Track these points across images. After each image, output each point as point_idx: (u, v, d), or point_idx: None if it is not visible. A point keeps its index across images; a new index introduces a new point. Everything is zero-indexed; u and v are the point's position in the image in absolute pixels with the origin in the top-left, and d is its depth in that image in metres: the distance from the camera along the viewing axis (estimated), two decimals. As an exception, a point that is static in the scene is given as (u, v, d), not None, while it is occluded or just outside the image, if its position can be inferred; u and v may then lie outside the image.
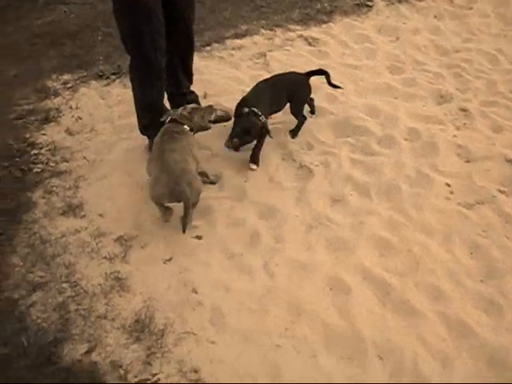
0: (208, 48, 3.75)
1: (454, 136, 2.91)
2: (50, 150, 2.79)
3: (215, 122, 2.93)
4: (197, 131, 2.49)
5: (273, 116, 2.91)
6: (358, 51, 3.77)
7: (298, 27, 4.06)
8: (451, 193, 2.55)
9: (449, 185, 2.58)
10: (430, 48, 3.80)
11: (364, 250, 2.24)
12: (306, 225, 2.36)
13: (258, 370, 1.76)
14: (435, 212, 2.42)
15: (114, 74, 3.51)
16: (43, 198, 2.44)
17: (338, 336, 1.89)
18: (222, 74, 3.45)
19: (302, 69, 3.49)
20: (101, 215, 2.35)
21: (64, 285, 2.03)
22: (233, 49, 3.77)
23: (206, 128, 2.54)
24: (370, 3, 4.36)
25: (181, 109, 2.42)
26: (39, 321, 1.90)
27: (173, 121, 2.37)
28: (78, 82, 3.45)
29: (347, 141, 2.87)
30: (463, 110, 3.13)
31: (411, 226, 2.34)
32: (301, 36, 3.93)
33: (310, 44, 3.86)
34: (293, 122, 2.90)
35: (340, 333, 1.89)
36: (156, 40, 2.25)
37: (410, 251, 2.22)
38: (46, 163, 2.68)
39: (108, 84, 3.43)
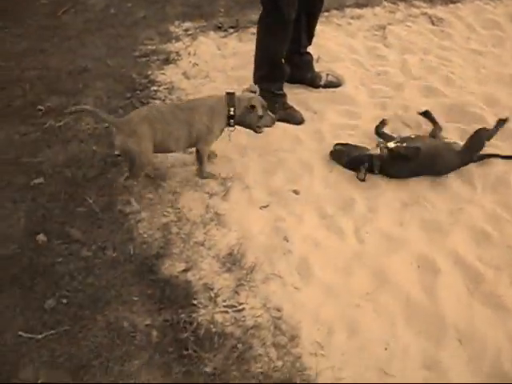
0: (326, 14, 3.72)
1: None
2: (167, 88, 2.98)
3: (325, 86, 2.96)
4: (239, 124, 2.28)
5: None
6: (485, 37, 3.55)
7: (424, 4, 3.89)
8: None
9: None
10: None
11: (460, 236, 2.17)
12: (401, 202, 2.33)
13: (336, 321, 1.81)
14: (544, 213, 2.28)
15: (231, 27, 3.62)
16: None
17: (419, 311, 1.88)
18: (337, 41, 3.43)
19: (421, 47, 3.38)
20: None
21: (169, 209, 2.21)
22: (351, 17, 3.72)
23: (253, 129, 2.31)
24: (507, -13, 4.04)
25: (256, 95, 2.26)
26: (145, 235, 2.10)
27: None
28: (197, 30, 3.62)
29: (458, 127, 2.75)
30: None
31: (515, 223, 2.23)
32: (425, 13, 3.77)
33: (433, 23, 3.69)
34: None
35: (422, 309, 1.89)
36: (290, -8, 2.29)
37: (509, 247, 2.12)
38: (163, 100, 2.87)
39: (225, 36, 3.55)
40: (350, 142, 2.50)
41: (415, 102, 2.89)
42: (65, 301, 1.86)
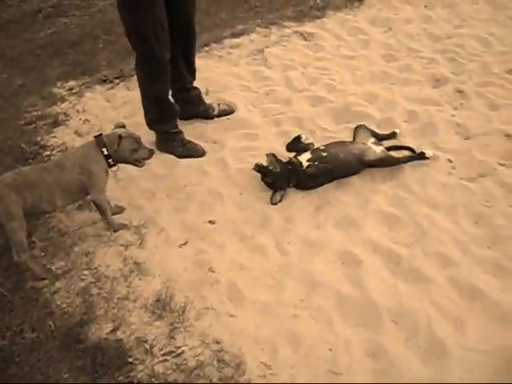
0: (206, 48, 3.87)
1: (452, 116, 2.99)
2: (61, 150, 2.88)
3: (219, 115, 3.04)
4: (118, 161, 2.24)
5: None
6: (353, 43, 3.87)
7: (293, 24, 4.17)
8: (453, 168, 2.61)
9: (450, 161, 2.65)
10: (423, 36, 3.90)
11: (371, 225, 2.30)
12: (313, 206, 2.43)
13: (277, 338, 1.82)
14: (439, 186, 2.49)
15: (117, 78, 3.63)
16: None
17: (352, 304, 1.95)
18: (222, 71, 3.56)
19: (300, 62, 3.61)
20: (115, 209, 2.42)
21: (85, 272, 2.10)
22: (231, 47, 3.89)
23: (133, 163, 2.28)
24: (361, -3, 4.48)
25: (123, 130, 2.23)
26: (64, 305, 1.97)
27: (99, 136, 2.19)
28: (82, 87, 3.57)
29: (348, 126, 2.94)
30: (459, 91, 3.20)
31: (416, 201, 2.41)
32: (296, 32, 4.04)
33: (305, 39, 3.97)
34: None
35: (354, 301, 1.96)
36: (159, 34, 2.35)
37: (416, 223, 2.28)
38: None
39: (112, 87, 3.54)
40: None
41: (306, 112, 3.06)
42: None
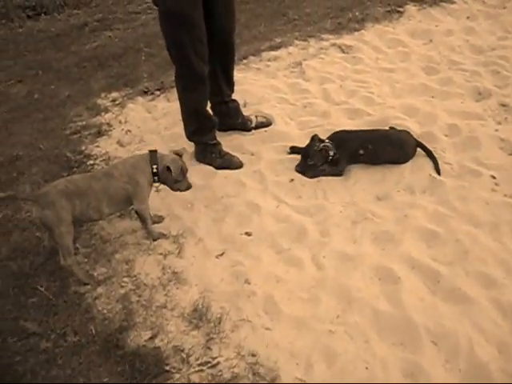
0: (245, 61, 3.92)
1: (496, 130, 2.91)
2: (104, 160, 2.98)
3: (257, 127, 3.07)
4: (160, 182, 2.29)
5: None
6: (392, 55, 3.84)
7: (331, 36, 4.18)
8: (496, 184, 2.54)
9: (494, 177, 2.58)
10: (465, 48, 3.82)
11: (410, 241, 2.26)
12: (350, 220, 2.41)
13: (312, 353, 1.81)
14: (481, 203, 2.43)
15: (158, 89, 3.72)
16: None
17: (389, 322, 1.91)
18: (260, 84, 3.59)
19: (337, 75, 3.61)
20: (155, 216, 2.48)
21: (125, 279, 2.16)
22: (268, 60, 3.92)
23: (169, 187, 2.34)
24: (400, 9, 4.45)
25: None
26: (105, 311, 2.03)
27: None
28: (125, 98, 3.68)
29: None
30: (503, 105, 3.12)
31: (457, 218, 2.35)
32: (334, 44, 4.04)
33: (343, 51, 3.96)
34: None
35: (391, 319, 1.92)
36: (198, 48, 2.41)
37: (457, 241, 2.23)
38: (102, 172, 2.86)
39: (153, 99, 3.64)
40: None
41: (343, 124, 3.05)
42: (30, 401, 1.74)
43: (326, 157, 2.60)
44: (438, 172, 2.60)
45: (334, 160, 2.62)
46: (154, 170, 2.21)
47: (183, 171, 2.28)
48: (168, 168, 2.20)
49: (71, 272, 2.14)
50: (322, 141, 2.64)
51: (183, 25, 2.33)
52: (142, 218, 2.28)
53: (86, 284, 2.15)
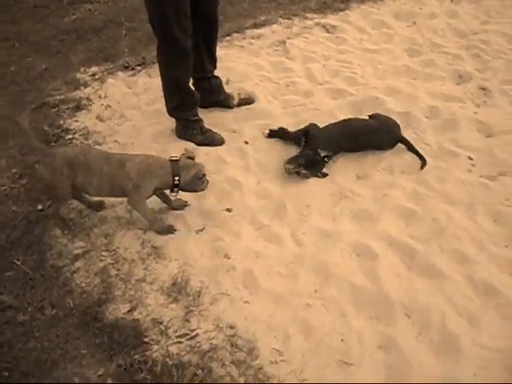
0: (228, 38, 3.86)
1: (475, 113, 2.95)
2: (83, 134, 2.93)
3: (239, 105, 3.05)
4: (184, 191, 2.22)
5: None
6: (376, 36, 3.84)
7: (316, 15, 4.15)
8: (473, 165, 2.59)
9: (471, 158, 2.63)
10: (448, 31, 3.85)
11: (388, 219, 2.30)
12: (330, 198, 2.43)
13: (290, 326, 1.84)
14: (458, 183, 2.47)
15: (139, 65, 3.64)
16: (79, 177, 2.57)
17: (365, 296, 1.96)
18: (243, 62, 3.55)
19: (321, 55, 3.60)
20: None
21: (104, 253, 2.15)
22: (252, 38, 3.88)
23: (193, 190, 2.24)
24: (386, -10, 4.42)
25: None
26: (83, 285, 2.02)
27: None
28: (105, 73, 3.60)
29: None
30: (483, 88, 3.16)
31: (435, 197, 2.40)
32: (318, 24, 4.02)
33: (327, 31, 3.94)
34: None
35: (368, 294, 1.96)
36: (181, 21, 2.36)
37: (434, 220, 2.27)
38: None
39: (134, 74, 3.56)
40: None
41: (326, 104, 3.05)
42: (6, 373, 1.73)
43: (321, 168, 2.54)
44: (423, 163, 2.58)
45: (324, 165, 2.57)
46: (176, 182, 2.11)
47: (204, 173, 2.20)
48: (204, 175, 2.15)
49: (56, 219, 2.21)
50: (315, 150, 2.53)
51: (167, -4, 2.28)
52: (135, 210, 2.23)
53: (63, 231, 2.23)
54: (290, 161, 2.51)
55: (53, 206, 2.24)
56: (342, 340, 1.82)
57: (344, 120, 2.74)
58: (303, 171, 2.49)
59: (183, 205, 2.36)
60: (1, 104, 3.31)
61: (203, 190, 2.26)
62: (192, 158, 2.22)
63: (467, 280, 2.00)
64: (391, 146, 2.68)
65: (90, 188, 2.12)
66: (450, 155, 2.64)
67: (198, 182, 2.17)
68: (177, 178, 2.11)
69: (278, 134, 2.77)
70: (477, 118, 2.89)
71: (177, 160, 2.15)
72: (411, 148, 2.65)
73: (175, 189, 2.14)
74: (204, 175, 2.18)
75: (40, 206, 2.38)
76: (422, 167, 2.57)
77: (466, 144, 2.71)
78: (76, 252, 2.16)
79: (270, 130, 2.78)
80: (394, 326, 1.86)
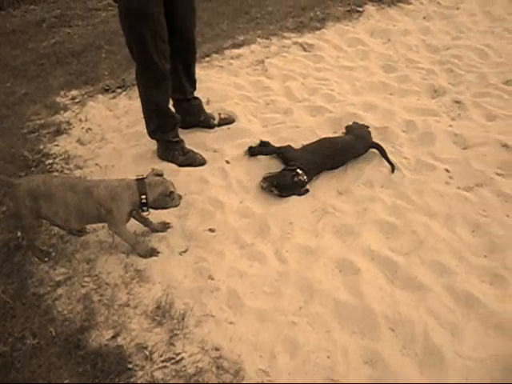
0: (208, 58, 3.92)
1: (450, 126, 3.03)
2: (63, 159, 2.91)
3: (220, 124, 3.08)
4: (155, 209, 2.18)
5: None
6: (352, 53, 3.93)
7: (293, 35, 4.23)
8: (450, 178, 2.65)
9: (448, 170, 2.69)
10: (421, 47, 3.96)
11: (369, 233, 2.33)
12: (312, 214, 2.46)
13: (276, 344, 1.84)
14: (436, 196, 2.52)
15: (119, 87, 3.66)
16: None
17: (349, 312, 1.97)
18: (223, 82, 3.60)
19: (299, 73, 3.67)
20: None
21: (86, 278, 2.13)
22: (231, 58, 3.93)
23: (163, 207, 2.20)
24: (360, 9, 4.55)
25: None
26: (65, 312, 1.99)
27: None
28: (85, 96, 3.61)
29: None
30: (457, 102, 3.25)
31: (414, 210, 2.44)
32: (296, 43, 4.10)
33: (305, 49, 4.02)
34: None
35: (351, 309, 1.98)
36: (158, 44, 2.40)
37: (414, 232, 2.31)
38: (61, 171, 2.80)
39: (114, 97, 3.58)
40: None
41: (305, 121, 3.10)
42: (-14, 407, 1.69)
43: (299, 187, 2.53)
44: (392, 169, 2.67)
45: (303, 185, 2.56)
46: (143, 201, 2.08)
47: (173, 186, 2.18)
48: (171, 192, 2.12)
49: (32, 250, 2.19)
50: (293, 170, 2.52)
51: (144, 21, 2.31)
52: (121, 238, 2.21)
53: (42, 260, 2.19)
54: (265, 179, 2.55)
55: (25, 236, 2.20)
56: (328, 357, 1.82)
57: (319, 141, 2.77)
58: (275, 191, 2.51)
59: (165, 227, 2.36)
60: (-21, 130, 3.28)
61: (176, 206, 2.21)
62: (160, 175, 2.19)
63: (448, 291, 2.04)
64: (365, 151, 2.76)
65: (57, 219, 2.09)
66: (428, 168, 2.70)
67: (166, 199, 2.12)
68: (143, 197, 2.07)
69: (259, 150, 2.78)
70: (452, 131, 2.97)
71: (142, 179, 2.12)
72: (383, 153, 2.73)
73: (144, 208, 2.10)
74: (172, 192, 2.13)
75: (19, 233, 2.35)
76: (392, 171, 2.65)
77: (442, 157, 2.77)
78: (58, 279, 2.13)
79: (250, 148, 2.78)
80: (379, 340, 1.87)
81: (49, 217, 2.09)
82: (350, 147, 2.72)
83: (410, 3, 4.61)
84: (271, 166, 2.73)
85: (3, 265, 2.21)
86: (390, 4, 4.61)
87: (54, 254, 2.25)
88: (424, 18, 4.42)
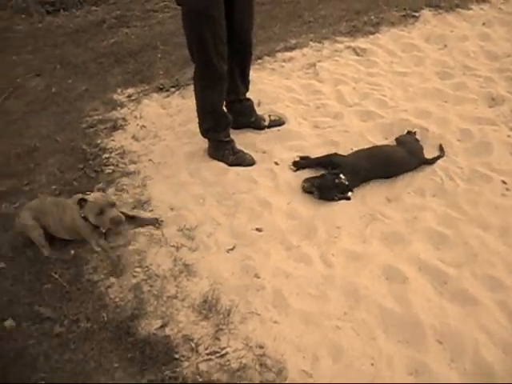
0: (260, 61, 3.95)
1: (508, 136, 2.91)
2: (119, 153, 3.04)
3: (270, 126, 3.11)
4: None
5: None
6: (406, 59, 3.85)
7: (346, 39, 4.20)
8: (507, 190, 2.55)
9: (505, 182, 2.59)
10: (480, 54, 3.82)
11: (419, 243, 2.28)
12: (360, 220, 2.44)
13: (319, 347, 1.84)
14: (491, 208, 2.44)
15: (173, 86, 3.77)
16: (115, 195, 2.67)
17: (395, 321, 1.94)
18: (274, 84, 3.63)
19: (351, 77, 3.64)
20: (167, 209, 2.53)
21: (137, 269, 2.21)
22: (283, 61, 3.96)
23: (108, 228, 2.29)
24: (416, 14, 4.45)
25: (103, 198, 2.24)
26: (117, 300, 2.08)
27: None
28: (140, 94, 3.74)
29: (398, 142, 2.93)
30: (516, 111, 3.12)
31: (467, 221, 2.37)
32: (349, 47, 4.06)
33: (357, 54, 3.98)
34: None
35: (397, 318, 1.95)
36: (218, 46, 2.46)
37: (466, 244, 2.25)
38: (116, 165, 2.93)
39: (168, 96, 3.69)
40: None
41: (355, 126, 3.08)
42: (42, 382, 1.79)
43: (341, 191, 2.52)
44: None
45: (345, 189, 2.55)
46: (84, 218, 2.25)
47: (108, 203, 2.21)
48: (101, 211, 2.19)
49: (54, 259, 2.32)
50: (336, 174, 2.53)
51: (206, 23, 2.38)
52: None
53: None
54: (307, 179, 2.57)
55: (42, 251, 2.34)
56: (372, 364, 1.80)
57: (371, 148, 2.74)
58: (315, 193, 2.52)
59: (157, 221, 2.42)
60: (42, 124, 3.47)
61: (114, 223, 2.21)
62: (101, 190, 2.37)
63: (501, 307, 1.96)
64: (415, 167, 2.69)
65: (52, 231, 2.35)
66: (483, 179, 2.61)
67: (97, 218, 2.21)
68: (82, 215, 2.24)
69: (305, 163, 2.75)
70: (511, 142, 2.85)
71: (84, 199, 2.22)
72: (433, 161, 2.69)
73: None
74: (102, 210, 2.17)
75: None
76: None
77: (499, 168, 2.67)
78: (111, 268, 2.23)
79: (295, 162, 2.74)
80: (425, 351, 1.84)
81: (46, 229, 2.34)
82: (401, 161, 2.66)
83: (469, 8, 4.46)
84: (319, 169, 2.73)
85: (61, 251, 2.34)
86: (448, 9, 4.48)
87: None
88: (483, 24, 4.26)
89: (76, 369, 1.83)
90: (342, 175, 2.52)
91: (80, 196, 2.26)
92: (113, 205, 2.23)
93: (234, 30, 2.59)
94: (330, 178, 2.52)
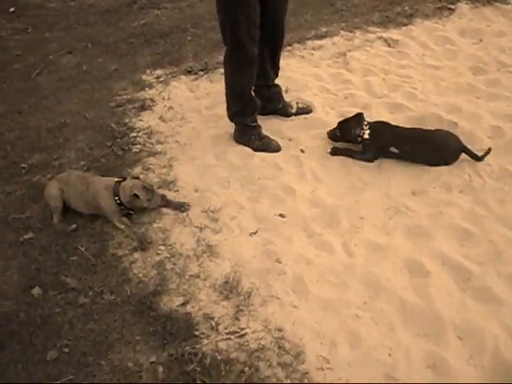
0: (289, 48, 3.93)
1: (541, 136, 2.84)
2: (146, 133, 3.08)
3: (297, 114, 3.10)
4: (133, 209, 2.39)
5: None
6: (439, 52, 3.78)
7: (378, 29, 4.13)
8: (537, 190, 2.50)
9: (534, 182, 2.53)
10: (516, 50, 3.72)
11: (443, 238, 2.26)
12: (383, 212, 2.42)
13: (337, 334, 1.86)
14: (519, 207, 2.39)
15: (201, 70, 3.78)
16: (141, 173, 2.71)
17: (415, 314, 1.93)
18: (303, 71, 3.61)
19: (381, 68, 3.59)
20: (192, 191, 2.56)
21: (161, 247, 2.25)
22: (313, 49, 3.92)
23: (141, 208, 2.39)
24: (452, 6, 4.35)
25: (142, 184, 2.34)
26: (140, 275, 2.13)
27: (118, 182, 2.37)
28: (169, 76, 3.76)
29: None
30: (551, 110, 3.04)
31: (493, 219, 2.33)
32: (380, 37, 4.00)
33: (389, 45, 3.92)
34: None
35: (418, 311, 1.94)
36: (251, 30, 2.45)
37: (491, 242, 2.21)
38: (143, 144, 2.97)
39: (196, 79, 3.70)
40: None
41: (383, 118, 3.03)
42: (66, 350, 1.86)
43: (354, 138, 2.67)
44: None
45: (363, 144, 2.65)
46: (118, 202, 2.32)
47: (148, 189, 2.32)
48: (136, 195, 2.28)
49: (60, 228, 2.40)
50: (360, 124, 2.68)
51: (239, 5, 2.38)
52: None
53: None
54: (331, 130, 2.77)
55: (53, 216, 2.45)
56: (390, 354, 1.81)
57: (413, 128, 2.76)
58: (337, 132, 2.74)
59: (184, 206, 2.45)
60: (73, 101, 3.53)
61: (147, 208, 2.36)
62: (137, 178, 2.39)
63: (525, 307, 1.94)
64: (455, 159, 2.65)
65: (72, 203, 2.44)
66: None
67: (135, 200, 2.29)
68: (116, 198, 2.31)
69: (343, 151, 2.77)
70: (544, 142, 2.78)
71: (119, 181, 2.36)
72: (474, 156, 2.64)
73: (122, 207, 2.33)
74: (136, 195, 2.27)
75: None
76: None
77: (530, 167, 2.62)
78: (135, 244, 2.27)
79: (334, 148, 2.78)
80: (444, 346, 1.83)
81: (67, 201, 2.43)
82: (428, 144, 2.64)
83: (508, 3, 4.33)
84: (345, 160, 2.72)
85: (87, 225, 2.40)
86: (486, 3, 4.36)
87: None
88: (522, 19, 4.15)
89: (99, 338, 1.88)
90: (366, 131, 2.65)
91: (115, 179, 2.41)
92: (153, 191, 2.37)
93: (268, 15, 2.58)
94: (353, 125, 2.66)
